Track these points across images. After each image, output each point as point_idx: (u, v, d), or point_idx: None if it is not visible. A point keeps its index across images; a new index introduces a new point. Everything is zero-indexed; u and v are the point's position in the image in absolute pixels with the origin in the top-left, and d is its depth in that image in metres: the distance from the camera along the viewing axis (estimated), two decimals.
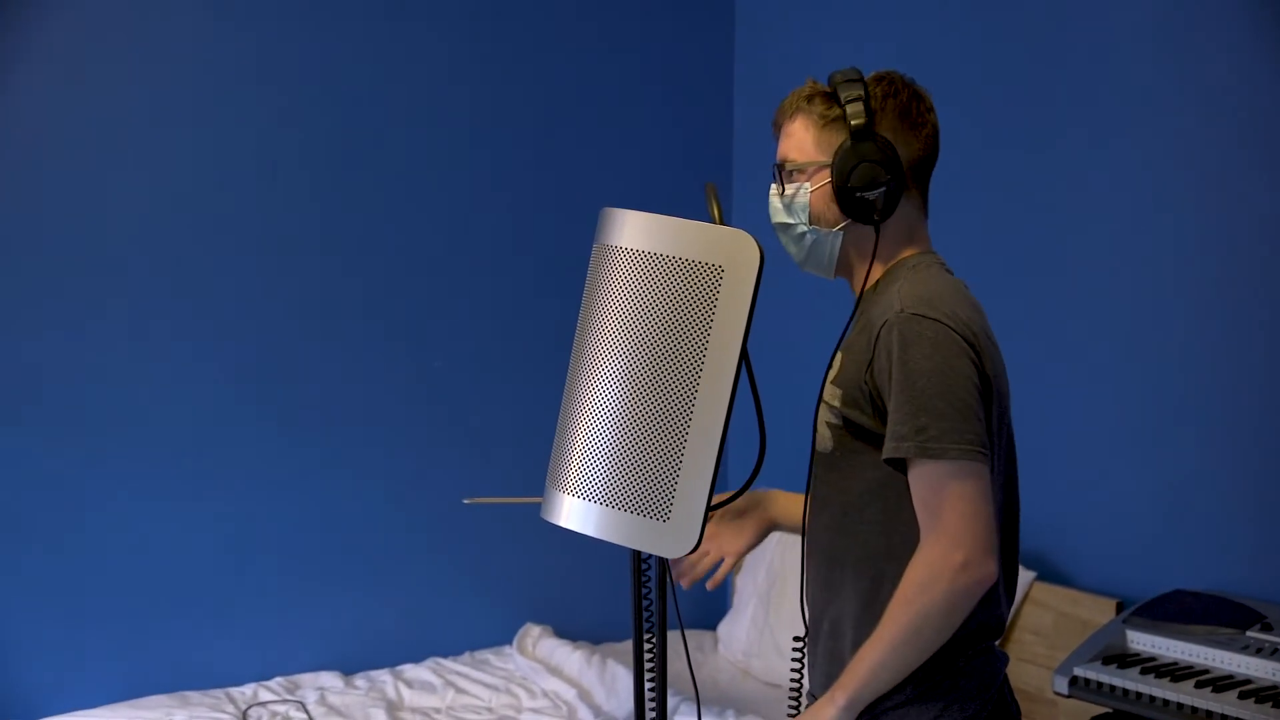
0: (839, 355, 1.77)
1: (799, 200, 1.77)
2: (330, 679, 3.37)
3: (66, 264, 3.11)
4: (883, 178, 1.70)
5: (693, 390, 1.43)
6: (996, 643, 1.79)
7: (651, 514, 1.44)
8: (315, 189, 3.42)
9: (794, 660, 1.87)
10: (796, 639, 1.86)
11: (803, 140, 1.77)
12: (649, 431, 1.44)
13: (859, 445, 1.72)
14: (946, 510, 1.61)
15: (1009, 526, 1.78)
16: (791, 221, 1.78)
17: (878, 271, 1.79)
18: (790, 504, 2.02)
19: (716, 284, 1.43)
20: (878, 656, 1.66)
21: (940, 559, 1.61)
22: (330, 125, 3.43)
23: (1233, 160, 2.72)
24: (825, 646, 1.81)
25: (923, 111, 1.77)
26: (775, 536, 3.59)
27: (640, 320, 1.46)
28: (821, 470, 1.79)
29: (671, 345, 1.44)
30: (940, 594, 1.61)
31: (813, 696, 1.86)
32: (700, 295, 1.43)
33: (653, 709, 1.64)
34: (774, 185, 1.81)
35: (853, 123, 1.70)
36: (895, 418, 1.63)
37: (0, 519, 3.06)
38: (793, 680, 1.85)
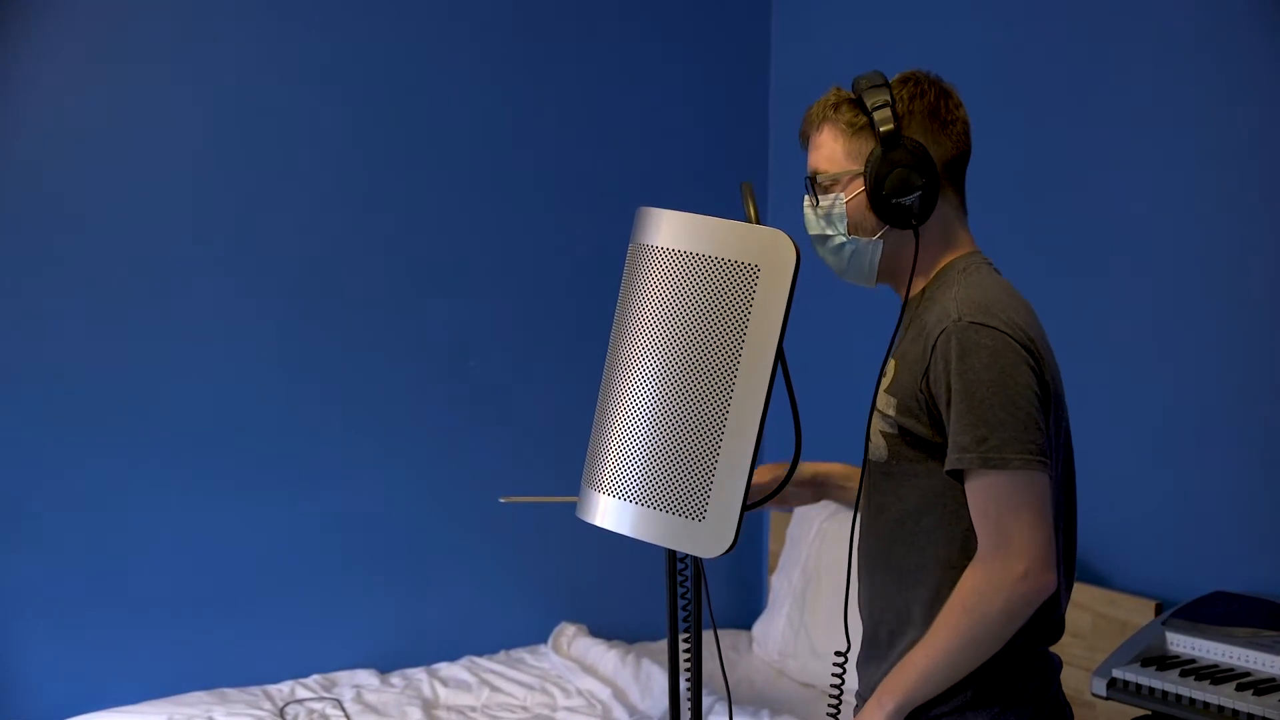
0: (892, 363, 1.74)
1: (835, 211, 1.75)
2: (366, 677, 3.39)
3: (105, 269, 3.14)
4: (917, 181, 1.69)
5: (728, 390, 1.43)
6: (1051, 647, 1.78)
7: (687, 514, 1.45)
8: (354, 187, 3.44)
9: (834, 674, 1.85)
10: (838, 653, 1.85)
11: (833, 151, 1.75)
12: (685, 431, 1.45)
13: (915, 454, 1.70)
14: (1008, 520, 1.60)
15: (1068, 531, 1.77)
16: (830, 233, 1.77)
17: (924, 276, 1.78)
18: (846, 473, 2.01)
19: (753, 283, 1.43)
20: (930, 662, 1.65)
21: (1001, 568, 1.60)
22: (371, 124, 3.44)
23: (1256, 163, 2.69)
24: (878, 655, 1.79)
25: (951, 109, 1.75)
26: (812, 533, 3.59)
27: (676, 320, 1.46)
28: (875, 478, 1.77)
29: (707, 345, 1.44)
30: (1000, 604, 1.61)
31: (862, 700, 1.85)
32: (736, 295, 1.43)
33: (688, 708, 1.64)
34: (807, 198, 1.79)
35: (881, 129, 1.68)
36: (956, 428, 1.62)
37: (42, 517, 3.09)
38: (832, 693, 1.83)
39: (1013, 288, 1.74)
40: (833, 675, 1.81)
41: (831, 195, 1.75)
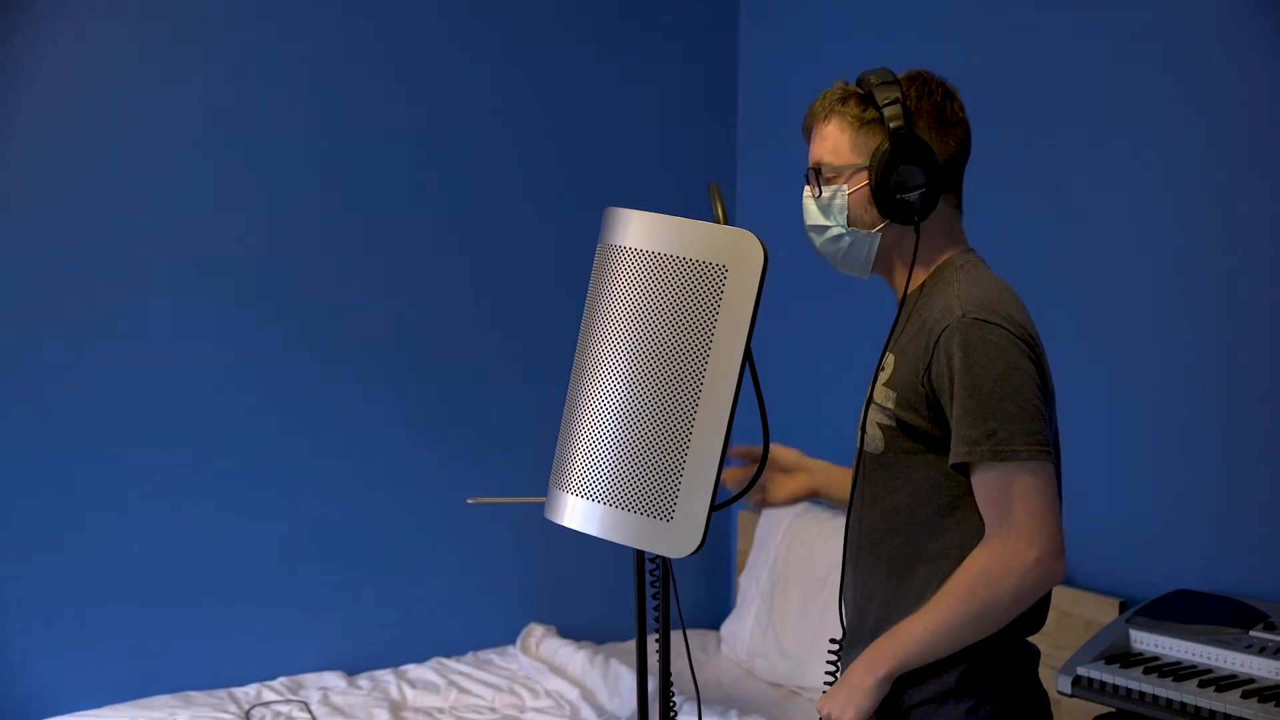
0: (891, 357, 1.77)
1: (836, 203, 1.77)
2: (333, 679, 3.37)
3: (77, 265, 3.11)
4: (921, 179, 1.71)
5: (696, 390, 1.43)
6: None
7: (655, 514, 1.45)
8: (319, 189, 3.42)
9: (829, 662, 1.87)
10: (833, 640, 1.86)
11: (838, 142, 1.77)
12: (653, 431, 1.45)
13: (912, 446, 1.73)
14: (1018, 508, 1.63)
15: None
16: (828, 224, 1.78)
17: (921, 272, 1.80)
18: (831, 475, 2.04)
19: (720, 284, 1.43)
20: (930, 635, 1.67)
21: (1013, 554, 1.63)
22: (333, 126, 3.43)
23: (1235, 161, 2.72)
24: (862, 644, 1.81)
25: (956, 110, 1.78)
26: (780, 533, 3.60)
27: (644, 320, 1.46)
28: (870, 470, 1.79)
29: (675, 345, 1.45)
30: (1010, 588, 1.63)
31: None
32: (704, 295, 1.44)
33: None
34: (807, 188, 1.81)
35: (892, 124, 1.71)
36: (965, 422, 1.64)
37: (5, 519, 3.06)
38: (826, 680, 1.85)
39: (1009, 285, 1.77)
40: (828, 662, 1.84)
41: (834, 187, 1.77)
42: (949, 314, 1.68)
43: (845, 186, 1.76)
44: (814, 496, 2.07)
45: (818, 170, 1.79)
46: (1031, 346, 1.68)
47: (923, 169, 1.71)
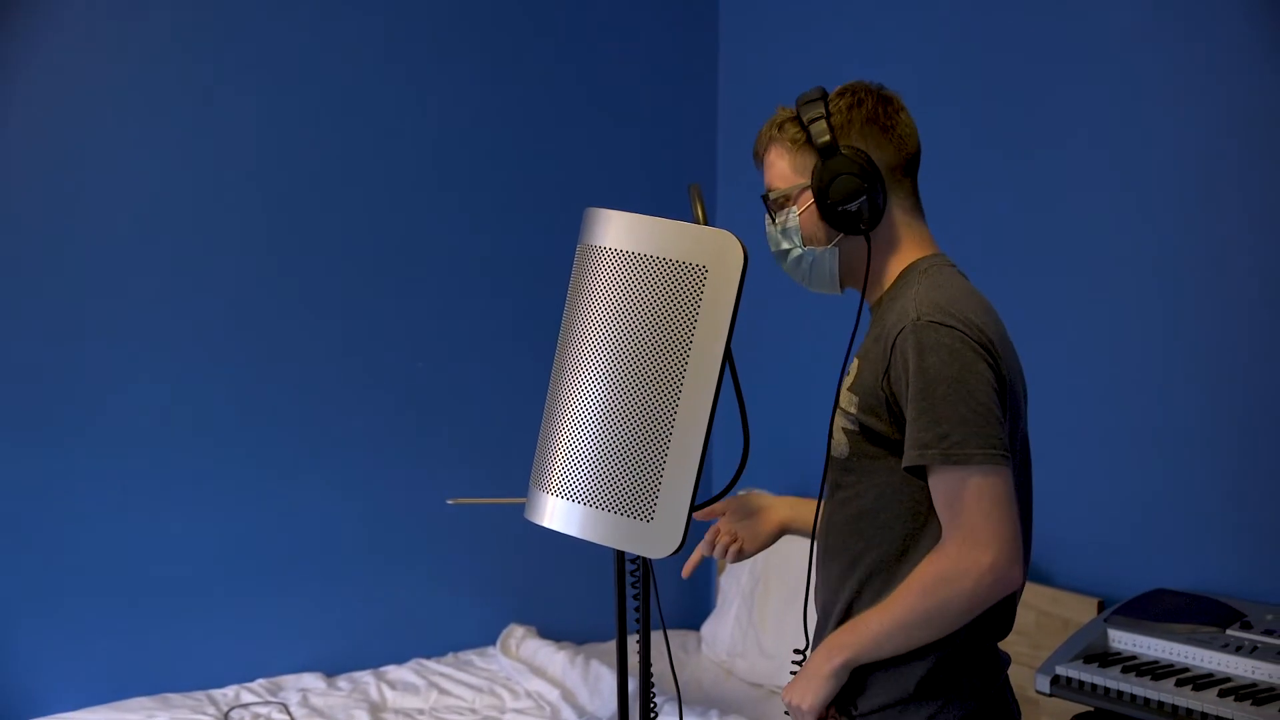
0: (855, 362, 1.78)
1: (790, 225, 1.79)
2: (313, 680, 3.36)
3: (58, 271, 3.10)
4: (861, 187, 1.72)
5: (676, 390, 1.44)
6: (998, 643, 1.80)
7: (635, 514, 1.45)
8: (297, 190, 3.41)
9: (793, 673, 1.87)
10: (797, 651, 1.87)
11: (781, 168, 1.80)
12: (633, 432, 1.45)
13: (875, 450, 1.73)
14: (971, 512, 1.63)
15: (1023, 529, 1.79)
16: (788, 247, 1.80)
17: (884, 278, 1.80)
18: (797, 507, 2.04)
19: (700, 284, 1.43)
20: (883, 631, 1.68)
21: (967, 557, 1.63)
22: (314, 129, 3.42)
23: (1228, 161, 2.73)
24: None
25: (891, 114, 1.78)
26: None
27: (624, 320, 1.46)
28: (836, 474, 1.80)
29: (655, 345, 1.45)
30: (964, 592, 1.63)
31: None
32: (684, 296, 1.44)
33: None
34: (767, 216, 1.83)
35: (819, 141, 1.73)
36: (917, 425, 1.64)
37: None
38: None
39: (973, 288, 1.78)
40: (791, 674, 1.83)
41: (786, 210, 1.79)
42: (905, 317, 1.68)
43: (795, 208, 1.78)
44: (784, 531, 2.07)
45: (768, 198, 1.82)
46: (989, 350, 1.66)
47: (859, 178, 1.72)
